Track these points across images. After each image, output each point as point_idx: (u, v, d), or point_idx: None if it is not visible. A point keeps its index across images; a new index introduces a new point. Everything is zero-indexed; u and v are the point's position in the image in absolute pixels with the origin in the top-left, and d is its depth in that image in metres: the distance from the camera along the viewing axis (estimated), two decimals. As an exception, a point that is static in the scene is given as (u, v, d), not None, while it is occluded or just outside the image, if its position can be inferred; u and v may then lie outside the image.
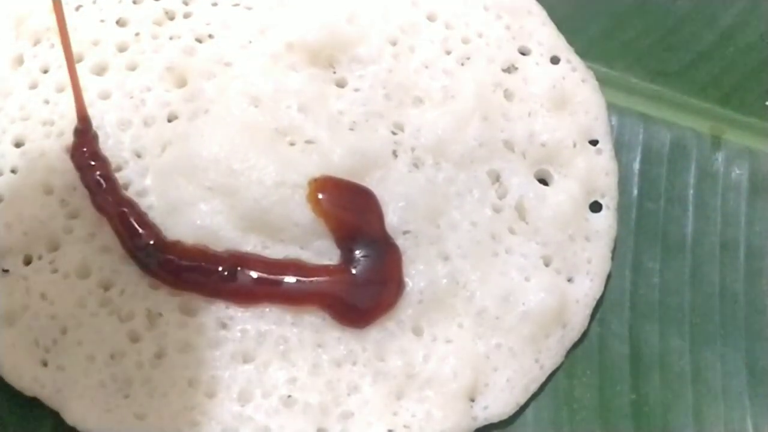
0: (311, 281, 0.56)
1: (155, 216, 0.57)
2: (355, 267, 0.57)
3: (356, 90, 0.62)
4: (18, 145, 0.60)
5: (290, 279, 0.56)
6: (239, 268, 0.56)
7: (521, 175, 0.63)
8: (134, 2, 0.64)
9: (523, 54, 0.67)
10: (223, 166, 0.57)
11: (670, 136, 0.69)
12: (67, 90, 0.60)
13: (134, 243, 0.56)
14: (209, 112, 0.59)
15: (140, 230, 0.56)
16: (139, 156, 0.59)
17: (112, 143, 0.59)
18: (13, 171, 0.59)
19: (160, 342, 0.55)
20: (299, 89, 0.60)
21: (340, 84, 0.62)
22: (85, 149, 0.58)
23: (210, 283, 0.56)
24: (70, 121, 0.58)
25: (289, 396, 0.55)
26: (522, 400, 0.59)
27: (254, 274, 0.56)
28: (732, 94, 0.70)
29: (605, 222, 0.64)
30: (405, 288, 0.58)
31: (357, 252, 0.58)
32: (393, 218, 0.59)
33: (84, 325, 0.55)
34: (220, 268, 0.56)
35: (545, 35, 0.68)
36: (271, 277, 0.56)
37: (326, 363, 0.56)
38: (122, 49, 0.62)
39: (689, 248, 0.65)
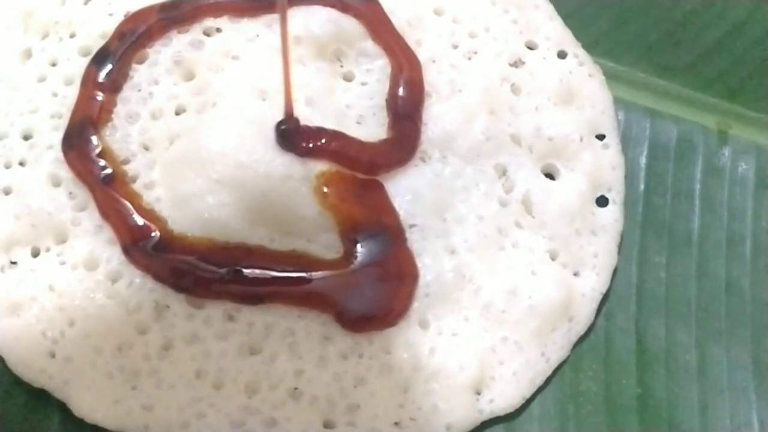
0: (316, 282, 0.56)
1: (163, 209, 0.57)
2: (361, 262, 0.57)
3: (363, 84, 0.62)
4: (26, 137, 0.60)
5: (294, 281, 0.56)
6: (237, 270, 0.56)
7: (528, 169, 0.63)
8: (142, -4, 0.64)
9: (530, 48, 0.67)
10: (230, 159, 0.57)
11: (677, 131, 0.69)
12: (75, 83, 0.60)
13: (128, 245, 0.56)
14: (217, 106, 0.59)
15: (133, 237, 0.56)
16: (146, 149, 0.59)
17: (120, 136, 0.59)
18: (21, 164, 0.59)
19: (167, 334, 0.55)
20: (306, 83, 0.60)
21: (348, 78, 0.62)
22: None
23: (209, 285, 0.56)
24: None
25: (296, 388, 0.55)
26: (528, 394, 0.59)
27: (256, 275, 0.56)
28: (739, 89, 0.71)
29: (612, 216, 0.64)
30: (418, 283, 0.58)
31: (363, 246, 0.57)
32: (400, 212, 0.59)
33: (91, 316, 0.55)
34: (220, 271, 0.55)
35: (552, 30, 0.68)
36: (275, 282, 0.56)
37: (333, 355, 0.56)
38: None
39: (695, 243, 0.65)
